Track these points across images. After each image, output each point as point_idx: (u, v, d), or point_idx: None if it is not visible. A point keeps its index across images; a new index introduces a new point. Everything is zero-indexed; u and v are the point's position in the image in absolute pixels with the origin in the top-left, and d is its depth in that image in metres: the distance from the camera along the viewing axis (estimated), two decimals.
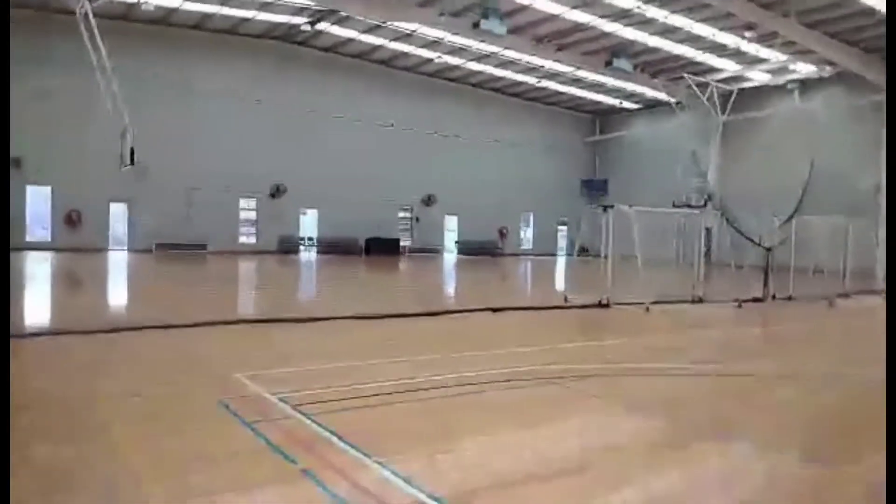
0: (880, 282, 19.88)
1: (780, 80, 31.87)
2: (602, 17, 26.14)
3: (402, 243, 35.13)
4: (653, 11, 25.32)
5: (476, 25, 25.38)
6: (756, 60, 30.21)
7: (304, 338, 9.17)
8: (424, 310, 11.98)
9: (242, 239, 31.77)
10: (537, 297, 15.05)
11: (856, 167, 26.72)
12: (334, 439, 4.51)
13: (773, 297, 16.36)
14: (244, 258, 28.04)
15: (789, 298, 16.70)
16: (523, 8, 25.49)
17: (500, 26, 25.58)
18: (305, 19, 28.08)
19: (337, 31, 29.89)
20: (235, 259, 27.25)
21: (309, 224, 33.38)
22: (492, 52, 31.47)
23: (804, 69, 30.34)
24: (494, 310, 12.11)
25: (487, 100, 38.51)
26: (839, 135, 30.05)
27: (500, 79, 36.19)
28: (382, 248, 33.28)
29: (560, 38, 28.82)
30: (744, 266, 17.78)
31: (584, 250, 39.16)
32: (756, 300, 15.73)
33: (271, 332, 9.37)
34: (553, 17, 26.42)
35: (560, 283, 22.62)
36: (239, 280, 20.98)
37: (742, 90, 33.35)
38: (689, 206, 22.30)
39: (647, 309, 13.35)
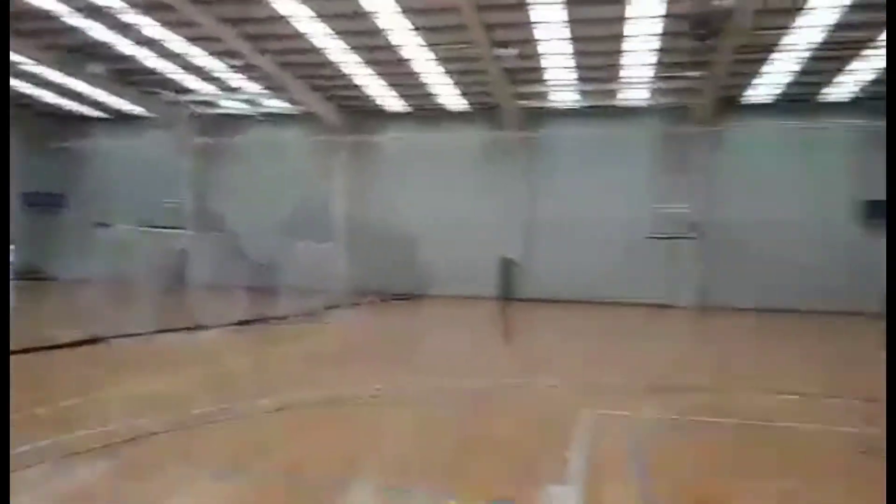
0: (349, 296, 22.91)
1: (254, 111, 33.89)
2: (75, 9, 22.94)
3: None
4: (133, 17, 23.55)
5: None
6: (232, 89, 31.32)
7: None
8: None
9: None
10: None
11: (326, 196, 30.36)
12: None
13: (270, 318, 16.98)
14: None
15: (284, 318, 17.60)
16: None
17: None
18: None
19: None
20: None
21: None
22: None
23: (275, 104, 32.97)
24: None
25: None
26: (308, 166, 33.76)
27: None
28: None
29: (20, 23, 24.05)
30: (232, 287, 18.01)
31: (31, 273, 33.62)
32: (258, 321, 16.03)
33: None
34: None
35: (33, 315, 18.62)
36: None
37: (222, 115, 34.15)
38: (165, 227, 21.53)
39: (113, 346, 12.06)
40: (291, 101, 31.85)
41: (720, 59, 23.39)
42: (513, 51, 24.15)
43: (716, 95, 27.46)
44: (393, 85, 29.88)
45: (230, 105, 33.73)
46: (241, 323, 15.16)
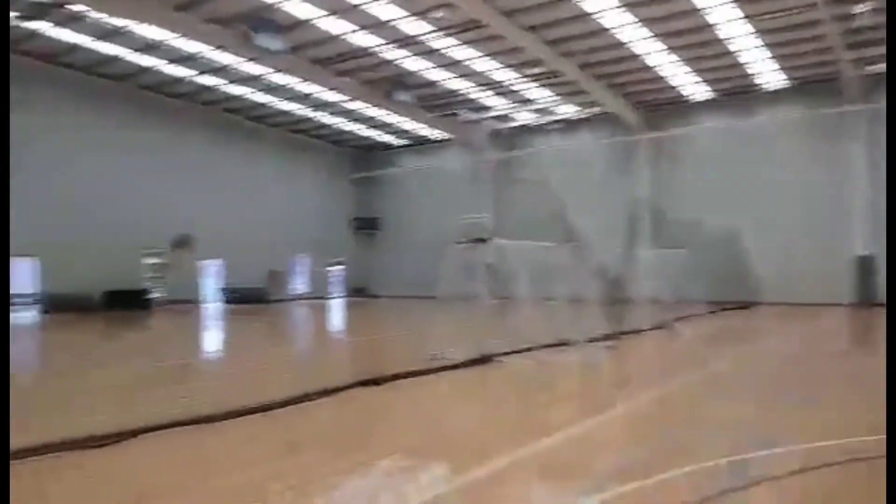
0: (695, 307, 20.49)
1: (545, 119, 33.08)
2: (387, 42, 24.06)
3: (150, 295, 28.74)
4: (439, 42, 23.96)
5: (247, 39, 21.60)
6: (525, 100, 30.81)
7: None
8: (244, 404, 7.06)
9: None
10: (396, 356, 11.99)
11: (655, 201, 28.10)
12: None
13: (623, 332, 15.25)
14: None
15: (638, 332, 15.78)
16: (302, 24, 22.33)
17: (275, 41, 22.16)
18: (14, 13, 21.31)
19: (59, 33, 23.36)
20: None
21: (24, 277, 25.16)
22: (257, 75, 27.54)
23: (566, 109, 31.80)
24: (374, 382, 8.71)
25: (248, 129, 34.12)
26: (601, 170, 31.89)
27: (263, 106, 32.11)
28: (125, 303, 26.69)
29: (339, 63, 26.14)
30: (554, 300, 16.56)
31: (359, 291, 36.81)
32: (609, 337, 14.36)
33: None
34: (334, 38, 23.70)
35: (398, 333, 19.54)
36: None
37: (516, 128, 34.21)
38: (475, 240, 21.10)
39: (539, 362, 11.11)
40: (588, 104, 30.26)
41: None
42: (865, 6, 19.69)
43: None
44: (700, 70, 26.63)
45: (525, 117, 33.37)
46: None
